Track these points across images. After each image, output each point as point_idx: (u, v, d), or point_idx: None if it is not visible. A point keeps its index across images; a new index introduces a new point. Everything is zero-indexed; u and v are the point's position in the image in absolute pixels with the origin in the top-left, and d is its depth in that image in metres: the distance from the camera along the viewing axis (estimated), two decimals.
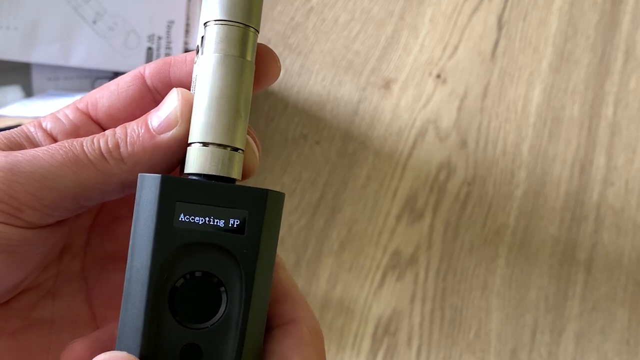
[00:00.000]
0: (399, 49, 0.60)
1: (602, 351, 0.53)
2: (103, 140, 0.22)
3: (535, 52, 0.61)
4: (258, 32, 0.22)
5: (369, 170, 0.57)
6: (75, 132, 0.24)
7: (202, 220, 0.20)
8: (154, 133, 0.22)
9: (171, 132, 0.22)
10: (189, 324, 0.20)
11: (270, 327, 0.23)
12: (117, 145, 0.22)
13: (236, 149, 0.21)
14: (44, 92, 0.56)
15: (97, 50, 0.56)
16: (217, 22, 0.21)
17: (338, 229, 0.55)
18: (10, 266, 0.22)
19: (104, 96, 0.24)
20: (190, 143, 0.21)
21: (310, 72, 0.59)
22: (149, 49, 0.56)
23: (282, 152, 0.57)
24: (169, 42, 0.56)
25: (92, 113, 0.24)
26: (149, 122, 0.22)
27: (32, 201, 0.21)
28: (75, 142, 0.22)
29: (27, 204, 0.21)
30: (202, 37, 0.22)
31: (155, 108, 0.23)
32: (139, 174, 0.21)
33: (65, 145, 0.21)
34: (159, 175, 0.20)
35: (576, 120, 0.59)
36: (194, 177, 0.21)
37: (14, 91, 0.56)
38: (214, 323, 0.20)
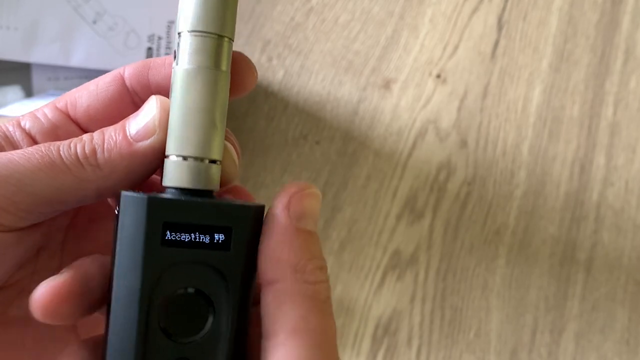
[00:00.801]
0: (399, 49, 0.60)
1: (602, 351, 0.53)
2: (80, 145, 0.22)
3: (535, 52, 0.61)
4: (232, 40, 0.22)
5: (369, 170, 0.57)
6: (54, 131, 0.24)
7: (188, 237, 0.20)
8: (132, 140, 0.22)
9: (149, 140, 0.22)
10: (179, 338, 0.21)
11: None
12: (94, 152, 0.22)
13: (214, 161, 0.21)
14: (44, 92, 0.56)
15: (97, 50, 0.56)
16: (190, 33, 0.21)
17: (338, 229, 0.55)
18: None
19: (83, 96, 0.24)
20: (168, 155, 0.21)
21: (310, 72, 0.59)
22: (149, 49, 0.56)
23: (282, 152, 0.57)
24: (169, 42, 0.56)
25: (71, 113, 0.24)
26: (126, 129, 0.22)
27: (7, 205, 0.21)
28: (52, 147, 0.22)
29: (3, 207, 0.21)
30: (178, 44, 0.22)
31: (134, 114, 0.22)
32: (122, 193, 0.21)
33: (42, 149, 0.21)
34: (145, 195, 0.20)
35: (576, 120, 0.59)
36: (172, 191, 0.21)
37: (14, 91, 0.56)
38: (203, 336, 0.21)
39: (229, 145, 0.23)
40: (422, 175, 0.57)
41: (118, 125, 0.22)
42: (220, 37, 0.21)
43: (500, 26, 0.61)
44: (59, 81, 0.57)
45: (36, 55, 0.55)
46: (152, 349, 0.20)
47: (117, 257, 0.20)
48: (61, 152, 0.21)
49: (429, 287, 0.54)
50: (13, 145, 0.23)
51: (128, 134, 0.22)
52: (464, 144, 0.58)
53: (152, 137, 0.22)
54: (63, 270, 0.22)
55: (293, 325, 0.20)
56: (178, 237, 0.20)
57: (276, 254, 0.21)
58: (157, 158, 0.22)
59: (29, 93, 0.56)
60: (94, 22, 0.56)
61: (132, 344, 0.20)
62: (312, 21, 0.61)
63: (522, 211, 0.56)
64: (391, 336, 0.53)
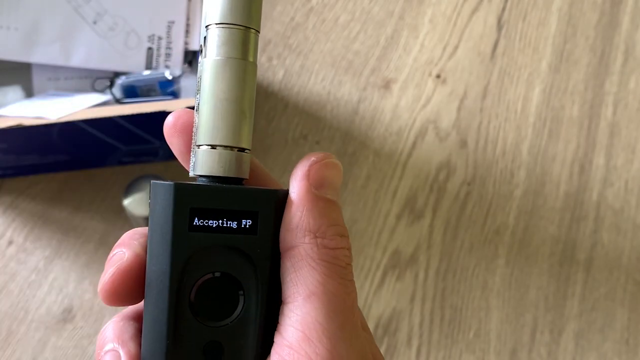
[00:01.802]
0: (399, 49, 0.60)
1: (602, 351, 0.53)
2: None
3: (534, 52, 0.61)
4: (259, 32, 0.22)
5: (369, 170, 0.57)
6: None
7: (215, 223, 0.21)
8: None
9: None
10: (210, 322, 0.21)
11: None
12: None
13: (243, 150, 0.22)
14: (44, 92, 0.56)
15: (97, 51, 0.56)
16: (218, 26, 0.22)
17: None
18: None
19: None
20: (199, 145, 0.22)
21: (310, 72, 0.60)
22: (149, 49, 0.56)
23: (282, 152, 0.57)
24: (169, 42, 0.56)
25: None
26: None
27: None
28: None
29: None
30: (205, 38, 0.22)
31: None
32: (152, 181, 0.21)
33: None
34: (172, 182, 0.21)
35: (576, 120, 0.59)
36: (203, 180, 0.22)
37: (15, 91, 0.56)
38: (234, 320, 0.21)
39: None
40: (422, 175, 0.57)
41: None
42: (248, 29, 0.22)
43: (500, 26, 0.61)
44: (59, 81, 0.57)
45: (36, 56, 0.55)
46: (184, 332, 0.21)
47: (149, 243, 0.21)
48: None
49: (428, 287, 0.54)
50: None
51: None
52: (463, 144, 0.58)
53: None
54: (118, 252, 0.22)
55: (311, 289, 0.20)
56: (205, 223, 0.21)
57: (295, 220, 0.21)
58: None
59: (29, 93, 0.56)
60: (94, 22, 0.56)
61: (163, 328, 0.20)
62: (312, 21, 0.61)
63: (522, 211, 0.56)
64: (391, 336, 0.53)
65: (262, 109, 0.58)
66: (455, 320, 0.53)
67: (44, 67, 0.56)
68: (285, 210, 0.21)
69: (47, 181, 0.55)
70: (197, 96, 0.22)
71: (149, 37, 0.56)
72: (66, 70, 0.57)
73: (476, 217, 0.56)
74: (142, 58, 0.56)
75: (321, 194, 0.21)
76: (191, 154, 0.23)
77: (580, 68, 0.60)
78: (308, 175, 0.21)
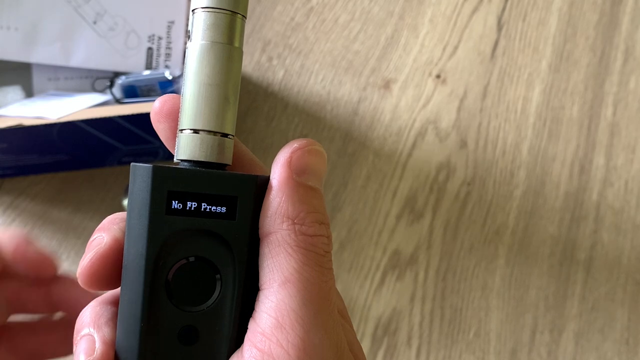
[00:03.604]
0: (399, 49, 0.60)
1: (602, 351, 0.53)
2: None
3: (534, 52, 0.61)
4: (245, 18, 0.22)
5: (369, 170, 0.57)
6: None
7: (193, 207, 0.21)
8: None
9: None
10: (186, 307, 0.21)
11: None
12: None
13: (226, 135, 0.22)
14: (45, 92, 0.56)
15: (97, 51, 0.56)
16: (204, 9, 0.21)
17: (338, 229, 0.55)
18: None
19: None
20: (182, 129, 0.22)
21: (310, 72, 0.60)
22: (149, 49, 0.56)
23: None
24: (169, 42, 0.56)
25: None
26: None
27: None
28: None
29: None
30: (192, 22, 0.22)
31: None
32: (131, 163, 0.21)
33: None
34: (150, 165, 0.20)
35: (576, 120, 0.59)
36: (185, 164, 0.22)
37: (15, 91, 0.56)
38: (210, 305, 0.21)
39: None
40: (422, 175, 0.57)
41: None
42: (234, 13, 0.22)
43: (499, 26, 0.61)
44: (59, 81, 0.57)
45: (36, 56, 0.55)
46: (159, 316, 0.21)
47: (126, 225, 0.21)
48: None
49: (428, 287, 0.54)
50: None
51: None
52: (463, 144, 0.58)
53: None
54: (98, 236, 0.22)
55: (287, 276, 0.20)
56: (183, 206, 0.20)
57: (274, 205, 0.21)
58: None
59: (29, 93, 0.56)
60: (94, 22, 0.56)
61: (138, 311, 0.20)
62: (312, 21, 0.61)
63: (522, 211, 0.56)
64: (391, 336, 0.53)
65: (262, 109, 0.58)
66: (455, 320, 0.53)
67: (44, 67, 0.56)
68: (265, 196, 0.21)
69: (47, 181, 0.55)
70: (183, 80, 0.22)
71: (149, 37, 0.56)
72: (66, 70, 0.57)
73: (476, 217, 0.56)
74: (142, 58, 0.56)
75: (302, 181, 0.21)
76: (177, 138, 0.23)
77: (580, 68, 0.60)
78: (289, 162, 0.21)
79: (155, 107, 0.23)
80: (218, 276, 0.21)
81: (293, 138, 0.57)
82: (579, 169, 0.57)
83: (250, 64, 0.59)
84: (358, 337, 0.53)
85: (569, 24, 0.62)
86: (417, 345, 0.53)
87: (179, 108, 0.23)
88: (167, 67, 0.56)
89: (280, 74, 0.59)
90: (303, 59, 0.60)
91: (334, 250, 0.55)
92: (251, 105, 0.58)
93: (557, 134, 0.58)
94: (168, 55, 0.56)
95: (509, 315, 0.54)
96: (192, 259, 0.21)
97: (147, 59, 0.56)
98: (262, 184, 0.21)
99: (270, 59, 0.60)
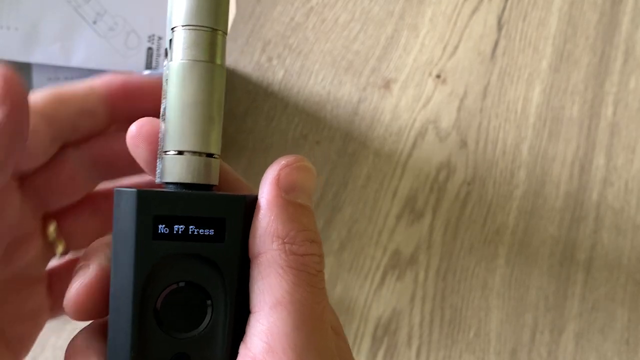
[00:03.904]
0: (399, 49, 0.60)
1: (602, 351, 0.53)
2: None
3: (535, 52, 0.61)
4: (226, 34, 0.22)
5: (369, 170, 0.57)
6: None
7: (181, 231, 0.20)
8: None
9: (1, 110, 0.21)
10: (177, 333, 0.21)
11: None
12: None
13: (211, 155, 0.21)
14: None
15: (97, 51, 0.56)
16: (184, 27, 0.21)
17: (338, 229, 0.55)
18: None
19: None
20: (166, 151, 0.21)
21: (310, 72, 0.60)
22: (149, 49, 0.56)
23: (282, 152, 0.57)
24: None
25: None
26: None
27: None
28: None
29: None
30: (170, 40, 0.22)
31: None
32: (115, 188, 0.21)
33: None
34: (134, 190, 0.20)
35: (576, 120, 0.59)
36: (171, 187, 0.21)
37: None
38: (201, 331, 0.21)
39: None
40: (422, 175, 0.57)
41: None
42: (215, 30, 0.21)
43: (500, 26, 0.61)
44: (59, 81, 0.57)
45: (36, 56, 0.55)
46: (149, 344, 0.20)
47: (112, 253, 0.21)
48: None
49: (428, 287, 0.54)
50: None
51: None
52: (463, 144, 0.58)
53: (2, 108, 0.20)
54: (83, 265, 0.22)
55: (278, 298, 0.19)
56: (170, 230, 0.20)
57: (263, 225, 0.20)
58: (22, 130, 0.21)
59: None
60: (94, 22, 0.56)
61: (127, 340, 0.20)
62: (312, 21, 0.61)
63: (522, 211, 0.56)
64: (391, 336, 0.53)
65: (262, 109, 0.58)
66: (455, 320, 0.53)
67: (44, 67, 0.56)
68: (254, 216, 0.21)
69: None
70: (164, 101, 0.22)
71: (149, 37, 0.56)
72: (66, 70, 0.57)
73: (476, 217, 0.56)
74: (142, 58, 0.56)
75: (291, 199, 0.21)
76: (157, 161, 0.22)
77: (581, 68, 0.60)
78: (277, 179, 0.21)
79: (132, 131, 0.22)
80: (209, 301, 0.21)
81: (293, 138, 0.57)
82: (579, 169, 0.57)
83: (250, 64, 0.59)
84: (358, 338, 0.53)
85: (569, 24, 0.62)
86: (417, 345, 0.53)
87: (156, 131, 0.22)
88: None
89: (280, 74, 0.59)
90: (303, 59, 0.60)
91: (335, 250, 0.55)
92: (251, 105, 0.58)
93: (557, 134, 0.58)
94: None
95: (509, 315, 0.54)
96: (181, 284, 0.20)
97: (147, 59, 0.56)
98: (250, 204, 0.21)
99: (270, 59, 0.60)
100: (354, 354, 0.53)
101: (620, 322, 0.54)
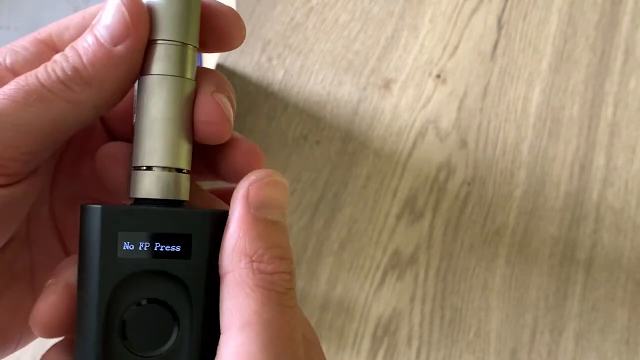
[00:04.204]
0: (399, 49, 0.60)
1: (602, 351, 0.53)
2: (58, 67, 0.20)
3: (535, 52, 0.61)
4: (197, 48, 0.22)
5: (369, 170, 0.57)
6: (40, 63, 0.21)
7: (146, 247, 0.20)
8: (109, 47, 0.20)
9: (127, 41, 0.20)
10: (142, 352, 0.20)
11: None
12: (76, 70, 0.20)
13: (181, 170, 0.21)
14: None
15: None
16: (153, 42, 0.21)
17: (338, 229, 0.55)
18: (2, 226, 0.21)
19: (71, 27, 0.22)
20: (134, 167, 0.21)
21: (310, 72, 0.60)
22: None
23: (282, 152, 0.57)
24: None
25: (58, 44, 0.22)
26: (99, 37, 0.20)
27: (9, 152, 0.20)
28: (30, 78, 0.20)
29: (6, 157, 0.20)
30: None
31: (97, 18, 0.20)
32: (81, 205, 0.20)
33: (21, 83, 0.20)
34: (99, 206, 0.20)
35: (576, 120, 0.59)
36: (141, 203, 0.21)
37: None
38: (167, 350, 0.20)
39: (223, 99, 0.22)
40: (422, 175, 0.57)
41: (88, 36, 0.20)
42: (185, 45, 0.21)
43: (500, 26, 0.61)
44: None
45: None
46: None
47: (78, 270, 0.20)
48: (43, 81, 0.20)
49: (429, 287, 0.54)
50: None
51: (103, 41, 0.20)
52: (463, 144, 0.58)
53: (129, 38, 0.20)
54: (52, 282, 0.21)
55: (246, 318, 0.19)
56: (135, 247, 0.20)
57: (231, 243, 0.20)
58: (140, 57, 0.21)
59: None
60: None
61: (92, 357, 0.20)
62: (312, 21, 0.61)
63: (522, 211, 0.56)
64: (391, 336, 0.53)
65: (262, 109, 0.58)
66: (455, 321, 0.53)
67: None
68: (223, 234, 0.20)
69: None
70: (134, 115, 0.21)
71: None
72: None
73: (476, 217, 0.56)
74: None
75: (261, 215, 0.20)
76: (128, 176, 0.22)
77: (581, 68, 0.60)
78: (247, 196, 0.20)
79: (99, 154, 0.22)
80: (175, 319, 0.20)
81: (293, 138, 0.57)
82: (579, 169, 0.57)
83: (250, 64, 0.59)
84: (358, 338, 0.53)
85: (569, 24, 0.62)
86: (417, 345, 0.53)
87: (123, 152, 0.22)
88: None
89: (280, 74, 0.59)
90: (303, 59, 0.60)
91: (335, 250, 0.55)
92: (251, 105, 0.58)
93: (557, 134, 0.58)
94: None
95: (509, 315, 0.54)
96: (146, 302, 0.20)
97: None
98: (219, 220, 0.20)
99: (270, 59, 0.60)
100: (354, 354, 0.53)
101: (620, 322, 0.54)
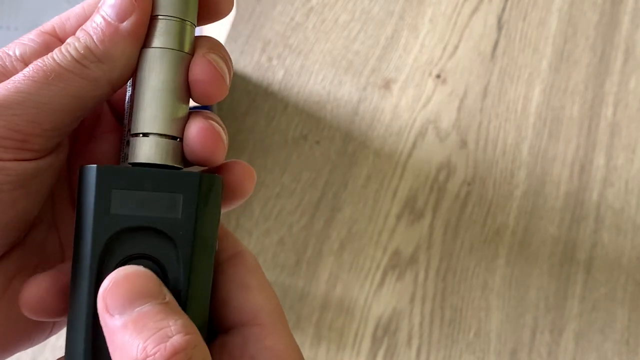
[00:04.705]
0: (399, 49, 0.60)
1: (602, 351, 0.53)
2: (72, 48, 0.21)
3: (535, 52, 0.61)
4: (195, 25, 0.23)
5: (369, 170, 0.57)
6: (47, 52, 0.23)
7: (137, 205, 0.21)
8: (116, 24, 0.22)
9: (132, 18, 0.22)
10: None
11: (218, 260, 0.23)
12: (88, 49, 0.21)
13: (175, 138, 0.22)
14: None
15: None
16: (156, 17, 0.23)
17: (338, 229, 0.55)
18: (28, 200, 0.22)
19: (71, 18, 0.24)
20: (133, 134, 0.22)
21: (310, 72, 0.60)
22: None
23: (282, 152, 0.57)
24: None
25: (60, 34, 0.24)
26: (106, 16, 0.22)
27: (34, 129, 0.21)
28: (47, 60, 0.21)
29: (31, 132, 0.21)
30: None
31: (102, 2, 0.22)
32: (80, 167, 0.21)
33: (39, 65, 0.21)
34: (95, 165, 0.21)
35: (576, 120, 0.59)
36: (136, 167, 0.22)
37: None
38: None
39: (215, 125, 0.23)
40: (422, 175, 0.57)
41: (95, 17, 0.22)
42: (184, 21, 0.23)
43: (500, 26, 0.61)
44: None
45: None
46: None
47: (75, 227, 0.21)
48: (59, 61, 0.21)
49: (429, 287, 0.54)
50: (6, 74, 0.22)
51: (110, 20, 0.22)
52: (464, 144, 0.58)
53: (134, 14, 0.22)
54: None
55: None
56: (127, 205, 0.21)
57: (117, 356, 0.19)
58: (145, 34, 0.22)
59: None
60: None
61: (84, 312, 0.21)
62: (312, 21, 0.61)
63: (522, 211, 0.56)
64: (391, 336, 0.53)
65: (262, 109, 0.58)
66: (455, 321, 0.53)
67: None
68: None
69: None
70: (134, 84, 0.23)
71: None
72: None
73: (476, 217, 0.56)
74: None
75: (131, 317, 0.19)
76: (122, 144, 0.23)
77: (581, 68, 0.60)
78: (106, 308, 0.19)
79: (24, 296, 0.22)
80: (165, 275, 0.21)
81: (293, 138, 0.57)
82: (579, 169, 0.57)
83: (250, 64, 0.59)
84: (358, 338, 0.53)
85: (569, 24, 0.62)
86: (417, 345, 0.53)
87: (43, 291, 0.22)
88: None
89: (280, 74, 0.59)
90: (303, 59, 0.60)
91: (335, 250, 0.55)
92: (251, 105, 0.58)
93: (557, 134, 0.58)
94: None
95: (509, 315, 0.54)
96: (136, 256, 0.21)
97: None
98: (209, 181, 0.22)
99: (270, 59, 0.60)
100: (354, 354, 0.53)
101: (621, 322, 0.54)
